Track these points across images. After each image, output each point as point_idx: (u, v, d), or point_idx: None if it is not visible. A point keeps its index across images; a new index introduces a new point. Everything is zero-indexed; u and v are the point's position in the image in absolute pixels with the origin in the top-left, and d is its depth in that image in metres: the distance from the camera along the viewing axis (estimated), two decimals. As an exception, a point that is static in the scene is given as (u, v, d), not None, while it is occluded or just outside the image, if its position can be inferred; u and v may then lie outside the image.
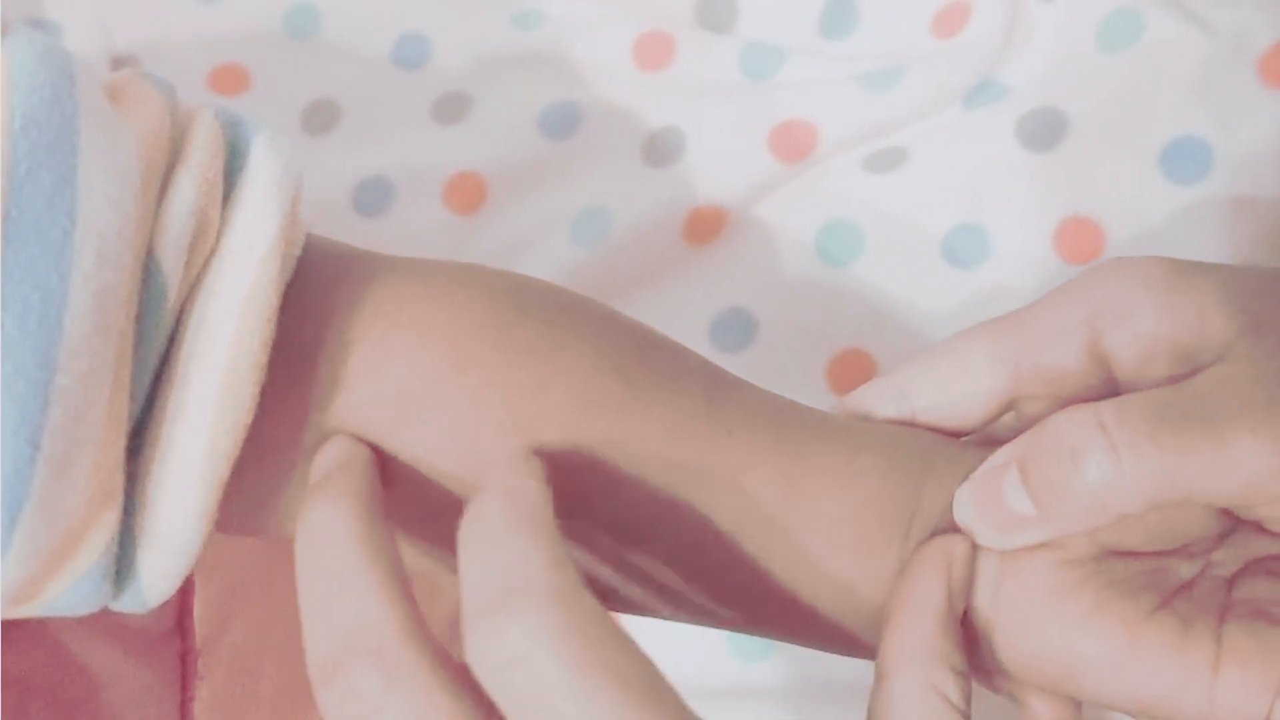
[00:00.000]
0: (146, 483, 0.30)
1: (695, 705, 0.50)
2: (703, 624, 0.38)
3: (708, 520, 0.35)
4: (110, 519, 0.29)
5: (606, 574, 0.36)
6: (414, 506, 0.34)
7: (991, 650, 0.36)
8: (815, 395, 0.47)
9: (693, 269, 0.54)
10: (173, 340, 0.31)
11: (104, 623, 0.35)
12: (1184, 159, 0.51)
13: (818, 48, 0.56)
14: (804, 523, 0.35)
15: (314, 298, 0.33)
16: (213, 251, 0.31)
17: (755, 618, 0.36)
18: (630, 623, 0.52)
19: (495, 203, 0.56)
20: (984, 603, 0.35)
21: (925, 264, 0.52)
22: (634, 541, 0.35)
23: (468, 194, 0.56)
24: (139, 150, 0.30)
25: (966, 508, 0.35)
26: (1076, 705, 0.38)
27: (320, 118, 0.58)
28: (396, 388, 0.33)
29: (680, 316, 0.54)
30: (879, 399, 0.37)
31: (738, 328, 0.53)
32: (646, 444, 0.35)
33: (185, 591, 0.38)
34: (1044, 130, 0.52)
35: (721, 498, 0.35)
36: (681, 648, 0.51)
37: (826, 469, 0.35)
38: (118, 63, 0.59)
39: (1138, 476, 0.33)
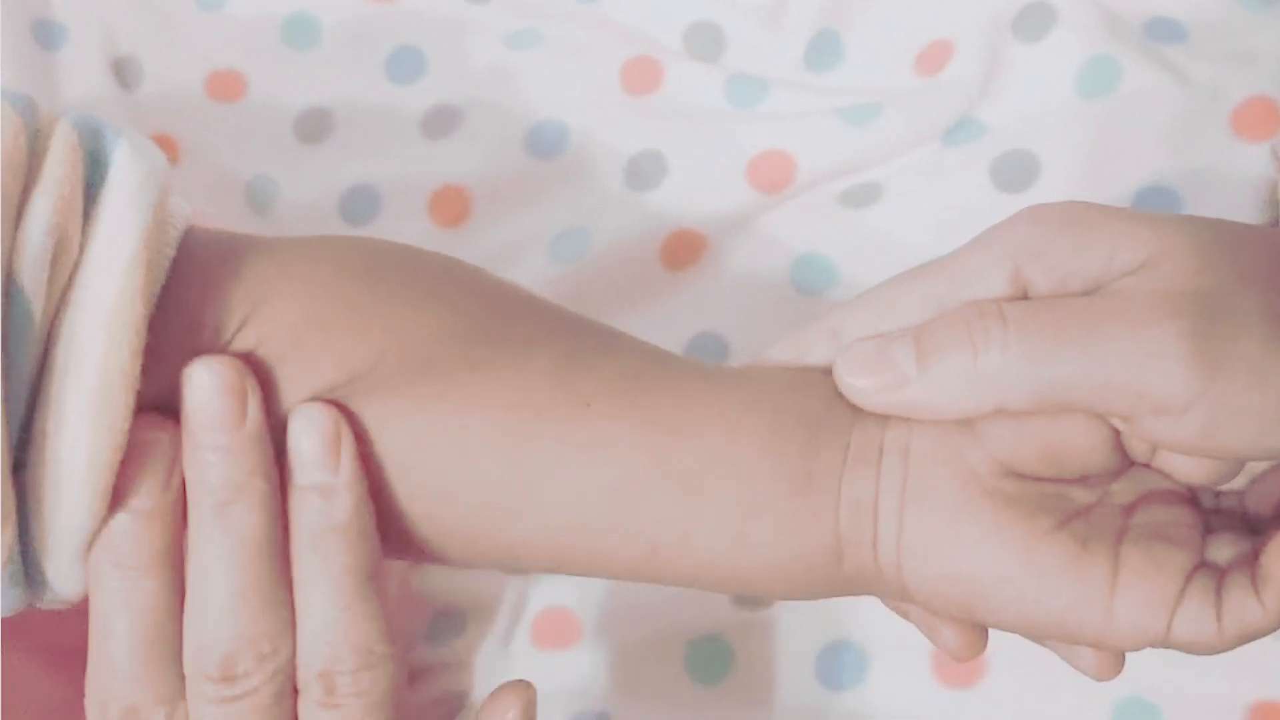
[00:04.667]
0: (39, 495, 0.31)
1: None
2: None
3: (570, 496, 0.35)
4: (4, 536, 0.31)
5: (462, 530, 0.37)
6: None
7: (901, 582, 0.37)
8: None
9: (668, 292, 0.55)
10: (48, 354, 0.32)
11: (25, 636, 0.36)
12: (1153, 207, 0.51)
13: (802, 80, 0.57)
14: (681, 495, 0.36)
15: (187, 291, 0.34)
16: (77, 266, 0.32)
17: (640, 575, 0.37)
18: (589, 642, 0.53)
19: (478, 217, 0.56)
20: (889, 533, 0.36)
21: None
22: (504, 510, 0.36)
23: (452, 207, 0.57)
24: None
25: (851, 360, 0.36)
26: (983, 633, 0.39)
27: (313, 126, 0.59)
28: (248, 351, 0.35)
29: (654, 338, 0.54)
30: (812, 343, 0.38)
31: (710, 352, 0.54)
32: (490, 412, 0.35)
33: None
34: (1017, 172, 0.53)
35: (583, 471, 0.35)
36: (639, 669, 0.52)
37: (702, 441, 0.36)
38: (119, 64, 0.60)
39: (1021, 359, 0.34)
